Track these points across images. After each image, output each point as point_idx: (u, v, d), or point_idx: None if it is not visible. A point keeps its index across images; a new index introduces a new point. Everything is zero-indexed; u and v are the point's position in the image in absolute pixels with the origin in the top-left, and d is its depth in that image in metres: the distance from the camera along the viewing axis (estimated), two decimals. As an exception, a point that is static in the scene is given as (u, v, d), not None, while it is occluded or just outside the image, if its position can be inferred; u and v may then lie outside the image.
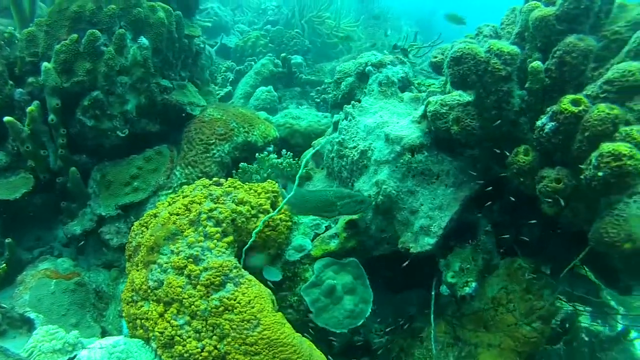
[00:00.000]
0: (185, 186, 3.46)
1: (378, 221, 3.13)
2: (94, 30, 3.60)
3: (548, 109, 2.37)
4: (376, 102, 3.55)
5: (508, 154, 2.64)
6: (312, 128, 4.51)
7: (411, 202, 3.02)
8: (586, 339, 3.44)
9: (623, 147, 1.98)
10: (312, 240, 3.32)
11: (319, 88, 6.61)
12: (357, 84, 4.28)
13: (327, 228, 3.38)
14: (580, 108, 2.20)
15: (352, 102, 3.65)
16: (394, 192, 3.01)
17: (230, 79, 6.83)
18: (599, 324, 3.74)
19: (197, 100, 4.25)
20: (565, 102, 2.24)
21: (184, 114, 4.22)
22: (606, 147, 2.03)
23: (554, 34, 2.46)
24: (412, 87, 4.18)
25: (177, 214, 3.02)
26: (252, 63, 6.89)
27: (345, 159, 3.41)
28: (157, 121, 4.10)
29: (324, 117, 4.72)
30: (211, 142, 3.91)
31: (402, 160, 3.01)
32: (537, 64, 2.43)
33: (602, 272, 2.99)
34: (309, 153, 4.04)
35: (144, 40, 3.80)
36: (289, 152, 4.05)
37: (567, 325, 3.12)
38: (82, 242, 3.86)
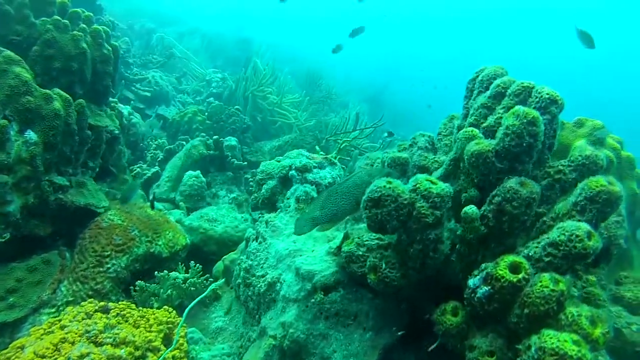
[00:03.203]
0: (69, 307, 2.95)
1: (286, 367, 2.63)
2: (-32, 121, 3.09)
3: (483, 265, 1.93)
4: (292, 222, 3.09)
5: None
6: (228, 235, 4.03)
7: (323, 347, 2.54)
8: None
9: (570, 346, 1.53)
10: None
11: (254, 170, 6.17)
12: (280, 188, 3.83)
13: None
14: (520, 277, 1.76)
15: (267, 218, 3.19)
16: (302, 335, 2.53)
17: (160, 158, 6.33)
18: None
19: (96, 200, 3.71)
20: (503, 268, 1.80)
21: (85, 212, 3.69)
22: (549, 340, 1.57)
23: (492, 173, 2.04)
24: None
25: (43, 357, 2.48)
26: (184, 143, 6.42)
27: (252, 288, 2.92)
28: (51, 222, 3.55)
29: (243, 220, 4.25)
30: (106, 254, 3.37)
31: (313, 300, 2.53)
32: (471, 210, 2.01)
33: None
34: (217, 266, 3.57)
35: (31, 134, 3.27)
36: (198, 265, 3.56)
37: None
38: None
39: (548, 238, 1.82)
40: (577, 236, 1.73)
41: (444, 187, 1.96)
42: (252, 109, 8.17)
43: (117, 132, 4.31)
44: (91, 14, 4.04)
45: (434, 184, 1.97)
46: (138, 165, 6.18)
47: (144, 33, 12.21)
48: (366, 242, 2.34)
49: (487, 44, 40.35)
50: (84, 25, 3.87)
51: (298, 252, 2.80)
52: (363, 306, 2.56)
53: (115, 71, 4.20)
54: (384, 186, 1.94)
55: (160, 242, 3.62)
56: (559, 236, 1.77)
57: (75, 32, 3.75)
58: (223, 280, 3.53)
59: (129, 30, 11.94)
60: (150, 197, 5.65)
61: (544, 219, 2.04)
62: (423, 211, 1.94)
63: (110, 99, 4.54)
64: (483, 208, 2.05)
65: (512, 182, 1.94)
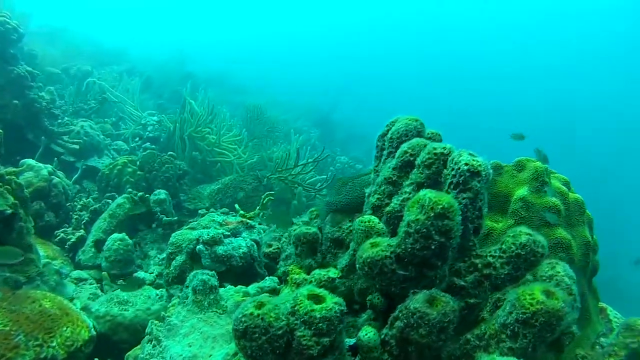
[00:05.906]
0: None
1: None
2: None
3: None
4: (189, 317, 2.59)
5: None
6: (140, 319, 3.51)
7: None
8: None
9: None
10: None
11: (191, 221, 5.67)
12: (189, 265, 3.35)
13: None
14: None
15: (164, 311, 2.72)
16: None
17: (85, 221, 5.79)
18: None
19: (-26, 303, 3.17)
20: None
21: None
22: None
23: (395, 284, 1.58)
24: (262, 261, 3.28)
25: None
26: (110, 201, 5.90)
27: (148, 404, 2.43)
28: None
29: (158, 298, 3.73)
30: (-22, 373, 2.83)
31: (212, 423, 2.07)
32: (367, 337, 1.56)
33: None
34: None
35: None
36: (105, 361, 3.07)
37: None
38: None
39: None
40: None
41: (331, 307, 1.46)
42: (192, 150, 7.70)
43: (9, 211, 3.79)
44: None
45: (319, 301, 1.48)
46: (62, 229, 5.65)
47: (80, 76, 11.61)
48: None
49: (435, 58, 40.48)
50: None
51: (193, 359, 2.31)
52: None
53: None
54: (250, 314, 1.44)
55: (54, 344, 3.08)
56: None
57: None
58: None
59: (63, 74, 11.37)
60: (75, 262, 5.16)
61: (468, 337, 1.58)
62: (305, 342, 1.45)
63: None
64: (384, 332, 1.59)
65: (417, 302, 1.46)
